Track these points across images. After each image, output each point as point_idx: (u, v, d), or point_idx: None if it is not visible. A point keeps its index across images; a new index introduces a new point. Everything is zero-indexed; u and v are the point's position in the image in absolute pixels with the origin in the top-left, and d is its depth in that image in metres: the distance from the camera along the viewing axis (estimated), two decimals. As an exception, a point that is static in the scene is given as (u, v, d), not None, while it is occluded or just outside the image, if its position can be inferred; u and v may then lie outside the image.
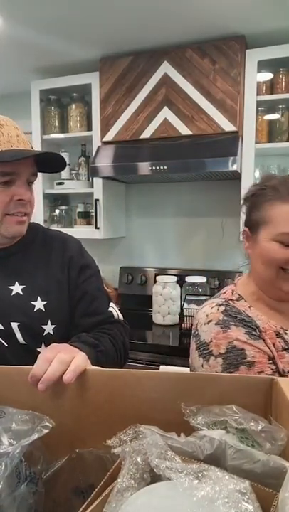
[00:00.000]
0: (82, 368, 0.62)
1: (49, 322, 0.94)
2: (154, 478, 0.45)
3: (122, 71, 2.20)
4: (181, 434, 0.52)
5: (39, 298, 0.94)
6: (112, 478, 0.46)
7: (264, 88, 2.10)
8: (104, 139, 2.28)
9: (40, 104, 2.46)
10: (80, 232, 2.35)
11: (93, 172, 2.23)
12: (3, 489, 0.49)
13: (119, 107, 2.22)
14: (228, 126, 2.02)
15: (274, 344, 0.88)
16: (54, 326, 0.95)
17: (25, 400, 0.59)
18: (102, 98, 2.26)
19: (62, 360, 0.63)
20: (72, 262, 1.00)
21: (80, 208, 2.58)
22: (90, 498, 0.43)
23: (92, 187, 2.40)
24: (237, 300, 0.93)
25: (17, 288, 0.94)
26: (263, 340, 0.88)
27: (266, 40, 1.99)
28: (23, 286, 0.94)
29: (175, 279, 2.30)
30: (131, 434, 0.49)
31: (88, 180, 2.52)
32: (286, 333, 0.90)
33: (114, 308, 1.06)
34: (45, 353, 0.66)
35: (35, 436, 0.52)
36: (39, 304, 0.94)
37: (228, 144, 1.99)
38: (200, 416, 0.52)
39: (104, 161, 2.19)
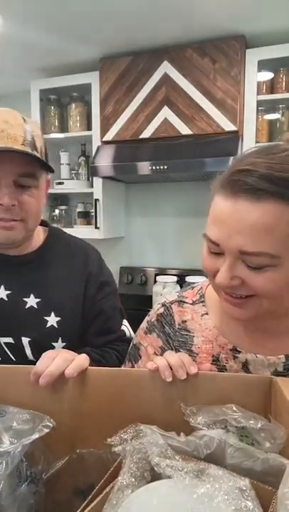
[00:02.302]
0: (84, 366, 0.62)
1: (60, 339, 0.89)
2: (155, 476, 0.45)
3: (122, 71, 2.20)
4: (181, 433, 0.52)
5: (53, 313, 0.89)
6: (112, 476, 0.46)
7: (264, 88, 2.10)
8: (104, 139, 2.28)
9: (40, 104, 2.46)
10: (79, 232, 2.35)
11: (93, 172, 2.23)
12: (4, 489, 0.49)
13: (119, 106, 2.22)
14: (228, 125, 2.03)
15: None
16: (64, 343, 0.90)
17: (26, 399, 0.59)
18: (102, 98, 2.26)
19: (64, 358, 0.62)
20: (92, 277, 0.95)
21: (80, 208, 2.58)
22: (90, 496, 0.43)
23: (92, 187, 2.40)
24: (194, 303, 0.77)
25: (32, 301, 0.88)
26: None
27: (266, 40, 1.99)
28: (38, 300, 0.88)
29: (175, 279, 2.31)
30: (131, 432, 0.50)
31: (88, 180, 2.52)
32: (235, 357, 0.69)
33: (126, 326, 1.03)
34: (47, 352, 0.66)
35: (36, 435, 0.52)
36: (52, 320, 0.89)
37: (229, 143, 1.99)
38: (200, 416, 0.53)
39: (104, 161, 2.19)
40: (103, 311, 0.96)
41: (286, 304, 0.63)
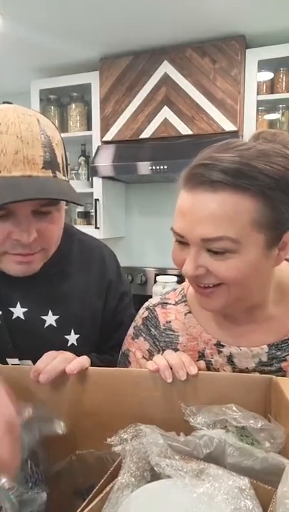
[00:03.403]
0: (85, 365, 0.61)
1: None
2: (155, 476, 0.45)
3: (121, 71, 2.20)
4: (181, 433, 0.52)
5: (73, 331, 0.82)
6: (112, 476, 0.46)
7: (264, 88, 2.11)
8: (104, 139, 2.29)
9: (40, 104, 2.46)
10: (80, 231, 2.35)
11: (93, 172, 2.23)
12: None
13: (119, 106, 2.22)
14: (228, 125, 2.03)
15: None
16: None
17: (26, 400, 0.59)
18: (101, 98, 2.26)
19: (65, 358, 0.62)
20: (112, 287, 0.88)
21: (80, 208, 2.58)
22: (90, 496, 0.43)
23: (92, 187, 2.40)
24: (176, 303, 0.78)
25: (50, 319, 0.80)
26: None
27: (266, 40, 1.99)
28: (57, 317, 0.80)
29: (175, 279, 2.30)
30: (131, 432, 0.50)
31: (88, 180, 2.52)
32: (220, 351, 0.71)
33: None
34: (48, 353, 0.64)
35: None
36: (72, 338, 0.82)
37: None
38: (200, 416, 0.53)
39: (104, 161, 2.19)
40: (123, 323, 0.90)
41: (254, 291, 0.65)
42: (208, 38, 2.02)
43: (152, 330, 0.78)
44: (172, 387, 0.59)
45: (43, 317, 0.80)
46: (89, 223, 2.53)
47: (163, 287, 2.28)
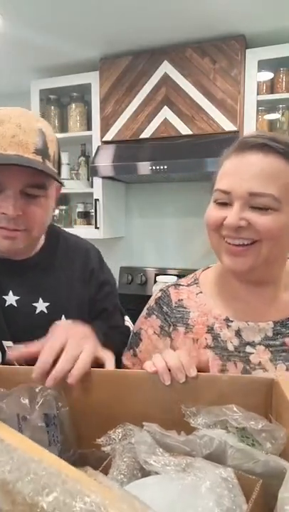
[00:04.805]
0: (87, 368, 0.61)
1: None
2: (145, 475, 0.45)
3: (121, 71, 2.20)
4: (181, 432, 0.52)
5: (63, 317, 0.88)
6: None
7: (264, 88, 2.10)
8: (104, 139, 2.28)
9: (40, 104, 2.46)
10: (79, 232, 2.34)
11: (93, 172, 2.23)
12: None
13: (119, 106, 2.22)
14: (228, 125, 2.02)
15: (197, 340, 0.79)
16: None
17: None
18: (101, 98, 2.26)
19: (69, 358, 0.62)
20: (93, 277, 0.96)
21: (80, 208, 2.58)
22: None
23: (92, 187, 2.40)
24: (189, 285, 0.86)
25: (41, 305, 0.87)
26: (171, 338, 0.82)
27: (266, 40, 1.98)
28: (48, 304, 0.87)
29: (175, 279, 2.30)
30: (120, 432, 0.50)
31: (88, 180, 2.52)
32: (229, 326, 0.77)
33: (129, 322, 1.04)
34: (52, 342, 0.65)
35: None
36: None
37: (229, 143, 1.97)
38: (200, 417, 0.52)
39: (104, 161, 2.19)
40: (106, 310, 0.97)
41: (280, 256, 0.72)
42: (208, 38, 2.01)
43: (164, 307, 0.84)
44: (172, 388, 0.58)
45: (34, 304, 0.86)
46: (89, 223, 2.53)
47: (163, 287, 2.28)
